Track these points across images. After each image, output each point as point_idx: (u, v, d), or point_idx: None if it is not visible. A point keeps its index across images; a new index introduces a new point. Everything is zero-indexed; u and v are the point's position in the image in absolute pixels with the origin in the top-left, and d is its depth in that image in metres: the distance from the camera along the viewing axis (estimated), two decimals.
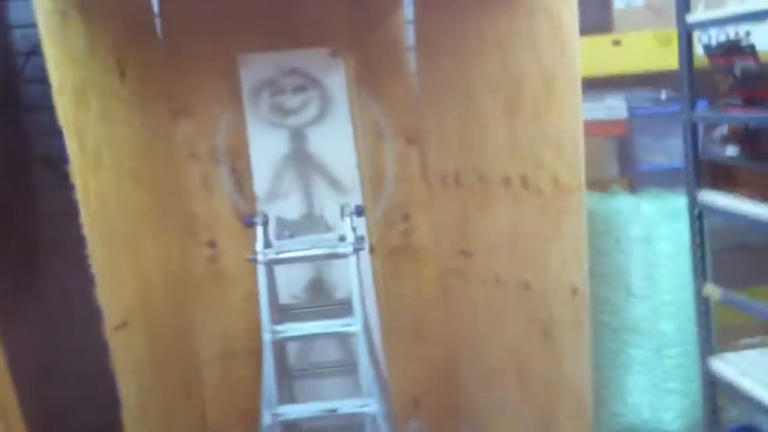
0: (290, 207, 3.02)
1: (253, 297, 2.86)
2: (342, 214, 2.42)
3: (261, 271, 2.34)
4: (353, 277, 2.34)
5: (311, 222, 2.56)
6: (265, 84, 3.00)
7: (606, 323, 2.88)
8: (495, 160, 2.81)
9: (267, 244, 2.41)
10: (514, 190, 2.73)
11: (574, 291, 2.47)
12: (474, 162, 2.92)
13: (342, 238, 2.36)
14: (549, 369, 2.67)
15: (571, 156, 2.40)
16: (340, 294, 2.92)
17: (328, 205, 3.03)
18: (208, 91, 2.97)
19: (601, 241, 2.87)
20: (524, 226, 2.70)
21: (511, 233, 2.78)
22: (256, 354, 2.75)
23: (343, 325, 2.31)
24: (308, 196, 3.03)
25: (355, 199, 3.03)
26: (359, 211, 2.41)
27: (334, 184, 3.04)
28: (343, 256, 2.35)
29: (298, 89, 3.01)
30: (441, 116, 3.07)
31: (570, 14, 2.26)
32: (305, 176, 3.02)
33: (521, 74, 2.60)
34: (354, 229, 2.37)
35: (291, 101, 3.00)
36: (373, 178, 3.14)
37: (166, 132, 2.93)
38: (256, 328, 2.57)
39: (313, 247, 2.38)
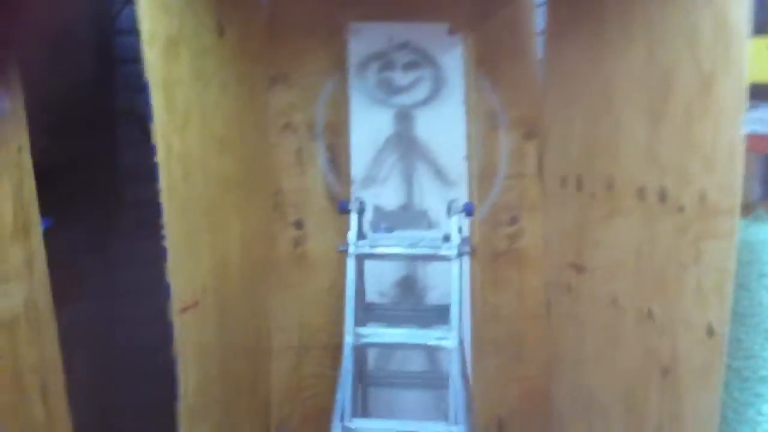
0: (387, 195, 2.78)
1: (336, 287, 2.67)
2: (449, 212, 2.17)
3: (350, 265, 2.12)
4: (454, 284, 2.09)
5: (409, 214, 2.32)
6: (374, 57, 2.77)
7: (736, 369, 2.54)
8: (629, 167, 2.50)
9: (360, 235, 2.17)
10: (649, 204, 2.42)
11: (710, 330, 2.15)
12: (602, 166, 2.61)
13: (446, 238, 2.11)
14: (666, 414, 2.36)
15: (725, 172, 2.08)
16: (432, 297, 2.68)
17: (429, 197, 2.78)
18: (311, 59, 2.77)
19: (741, 273, 2.52)
20: (656, 246, 2.39)
21: (639, 252, 2.47)
22: (332, 350, 2.54)
23: (436, 338, 2.07)
24: (408, 184, 2.78)
25: (460, 193, 2.78)
26: (469, 210, 2.15)
27: (439, 174, 2.79)
28: (446, 259, 2.10)
29: (410, 66, 2.77)
30: (566, 110, 2.78)
31: (739, 8, 1.94)
32: (408, 162, 2.78)
33: (672, 72, 2.28)
34: (460, 230, 2.12)
35: (401, 78, 2.76)
36: (482, 172, 2.88)
37: (261, 99, 2.74)
38: (335, 323, 2.37)
39: (412, 245, 2.13)
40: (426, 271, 2.74)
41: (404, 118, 2.79)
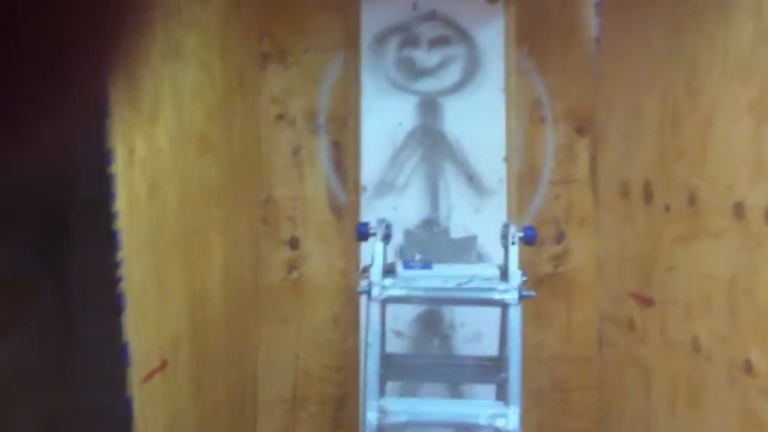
0: (407, 206, 2.30)
1: (341, 322, 2.23)
2: (505, 240, 1.67)
3: (374, 312, 1.63)
4: (513, 338, 1.61)
5: (452, 241, 1.82)
6: (394, 30, 2.28)
7: None
8: (722, 177, 2.04)
9: (386, 269, 1.67)
10: (752, 225, 1.95)
11: None
12: (683, 173, 2.15)
13: (503, 275, 1.62)
14: None
15: None
16: (462, 337, 2.20)
17: (460, 209, 2.32)
18: (314, 32, 2.28)
19: None
20: (759, 278, 1.93)
21: (733, 284, 2.03)
22: (333, 402, 2.06)
23: (489, 416, 1.57)
24: (434, 193, 2.30)
25: (498, 204, 2.32)
26: (531, 239, 1.67)
27: (472, 180, 2.31)
28: (503, 304, 1.61)
29: (438, 42, 2.28)
30: (630, 101, 2.33)
31: None
32: (433, 164, 2.29)
33: None
34: (520, 268, 1.63)
35: (427, 58, 2.29)
36: (522, 175, 2.41)
37: (251, 82, 2.23)
38: (338, 367, 1.92)
39: (460, 285, 1.63)
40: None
41: (430, 108, 2.31)
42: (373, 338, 1.68)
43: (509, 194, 2.37)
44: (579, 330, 2.48)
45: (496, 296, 1.66)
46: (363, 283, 1.71)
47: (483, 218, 2.34)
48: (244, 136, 2.24)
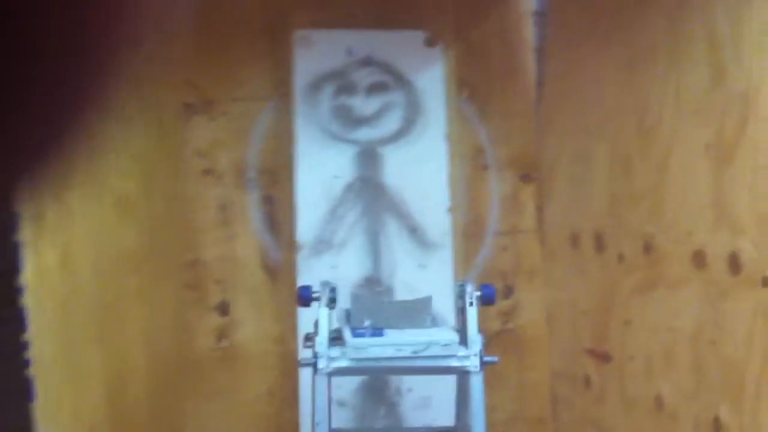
0: (346, 264, 2.15)
1: (276, 393, 2.05)
2: (462, 300, 1.53)
3: (321, 387, 1.45)
4: (477, 409, 1.46)
5: (404, 305, 1.66)
6: (328, 77, 2.15)
7: None
8: (681, 224, 1.96)
9: (333, 338, 1.51)
10: (714, 274, 1.87)
11: None
12: (636, 220, 2.07)
13: (461, 341, 1.48)
14: None
15: None
16: (409, 404, 2.04)
17: (403, 265, 2.16)
18: (243, 80, 2.11)
19: None
20: (725, 330, 1.85)
21: (697, 338, 1.94)
22: None
23: None
24: (375, 249, 2.15)
25: (443, 258, 2.18)
26: (490, 297, 1.54)
27: (415, 233, 2.17)
28: (464, 371, 1.46)
29: (376, 88, 2.16)
30: (578, 146, 2.25)
31: None
32: (374, 218, 2.15)
33: (758, 88, 1.74)
34: (479, 331, 1.50)
35: (364, 105, 2.16)
36: (467, 227, 2.28)
37: (174, 134, 2.04)
38: None
39: (414, 352, 1.48)
40: None
41: (369, 158, 2.17)
42: (321, 416, 1.50)
43: (455, 248, 2.24)
44: (532, 389, 2.35)
45: (456, 363, 1.51)
46: (306, 354, 1.54)
47: (428, 275, 2.20)
48: (166, 194, 2.05)
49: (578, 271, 2.28)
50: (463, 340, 1.55)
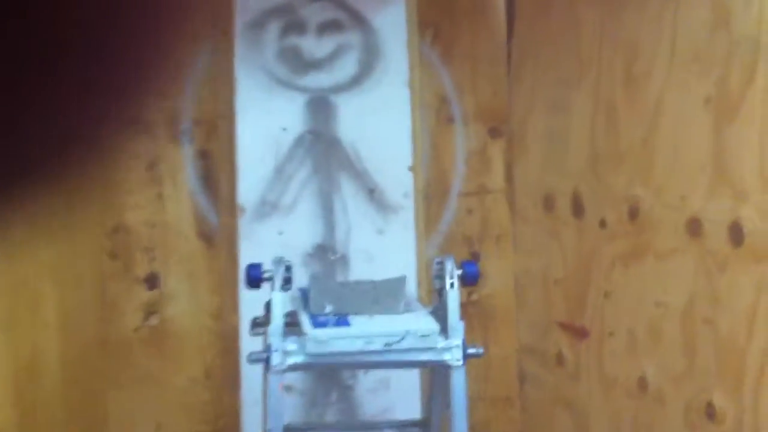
0: (295, 229, 1.94)
1: (214, 376, 1.87)
2: (441, 281, 1.31)
3: (273, 384, 1.22)
4: (458, 406, 1.25)
5: (372, 287, 1.40)
6: (274, 13, 1.89)
7: None
8: (673, 187, 1.76)
9: (287, 326, 1.27)
10: (711, 244, 1.69)
11: None
12: (621, 182, 1.88)
13: (440, 329, 1.26)
14: None
15: None
16: (367, 385, 1.85)
17: (359, 230, 1.94)
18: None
19: None
20: (722, 307, 1.68)
21: (688, 314, 1.77)
22: None
23: None
24: (328, 212, 1.92)
25: (404, 222, 1.96)
26: (473, 277, 1.32)
27: (373, 194, 1.95)
28: (444, 366, 1.24)
29: (329, 27, 1.93)
30: (554, 96, 2.11)
31: None
32: (327, 177, 1.93)
33: (766, 35, 1.55)
34: (461, 316, 1.28)
35: (316, 47, 1.93)
36: (429, 187, 2.05)
37: None
38: None
39: (386, 345, 1.24)
40: None
41: (321, 108, 1.93)
42: (275, 421, 1.26)
43: (416, 210, 2.01)
44: (498, 366, 2.16)
45: (435, 357, 1.28)
46: (254, 351, 1.29)
47: (388, 241, 1.98)
48: (82, 147, 1.76)
49: (552, 236, 2.07)
50: (443, 329, 1.32)
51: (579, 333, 2.03)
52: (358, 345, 1.26)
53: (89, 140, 1.79)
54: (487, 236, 2.15)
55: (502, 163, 2.17)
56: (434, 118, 2.11)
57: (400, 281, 1.40)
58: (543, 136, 2.11)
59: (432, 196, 2.11)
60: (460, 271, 1.38)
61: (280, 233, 1.92)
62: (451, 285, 1.34)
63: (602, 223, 1.96)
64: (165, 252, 1.95)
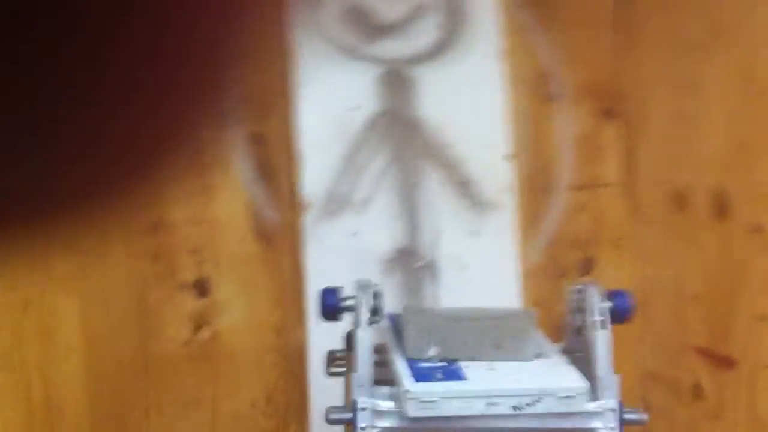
0: (371, 229, 1.60)
1: (276, 400, 1.71)
2: (581, 315, 0.97)
3: None
4: None
5: (488, 323, 1.05)
6: None
7: None
8: None
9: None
10: None
11: None
12: None
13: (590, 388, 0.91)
14: None
15: None
16: None
17: (449, 231, 1.60)
18: None
19: None
20: None
21: None
22: None
23: None
24: (410, 210, 1.60)
25: (503, 223, 1.63)
26: (626, 312, 1.00)
27: (465, 188, 1.59)
28: None
29: None
30: (682, 65, 1.67)
31: None
32: (408, 168, 1.59)
33: None
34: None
35: (388, 8, 1.55)
36: (528, 179, 1.71)
37: None
38: None
39: (516, 408, 0.90)
40: None
41: (397, 83, 1.60)
42: None
43: (518, 208, 1.67)
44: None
45: (581, 425, 0.93)
46: (334, 407, 0.96)
47: (483, 244, 1.64)
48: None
49: (686, 241, 1.70)
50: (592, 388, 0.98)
51: (723, 363, 1.66)
52: (477, 407, 0.91)
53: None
54: (602, 239, 1.79)
55: (619, 151, 1.80)
56: (532, 96, 1.76)
57: (528, 317, 1.06)
58: (670, 116, 1.73)
59: (533, 190, 1.76)
60: (608, 304, 1.03)
61: (354, 234, 1.60)
62: (602, 324, 0.99)
63: (756, 228, 1.57)
64: (215, 254, 1.64)
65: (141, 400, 1.62)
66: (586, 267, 1.78)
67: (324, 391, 1.59)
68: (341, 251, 1.59)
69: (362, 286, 1.02)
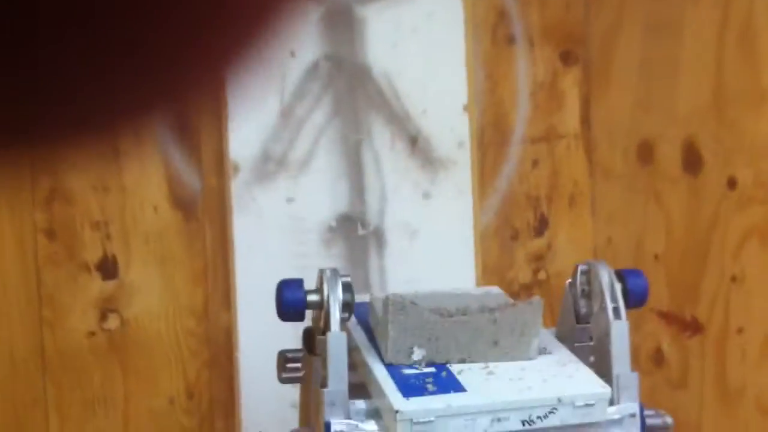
0: (310, 194, 1.37)
1: (198, 395, 1.46)
2: (588, 301, 0.81)
3: None
4: None
5: (486, 318, 0.86)
6: None
7: None
8: None
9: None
10: None
11: None
12: (763, 128, 1.39)
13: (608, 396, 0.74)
14: None
15: None
16: None
17: (399, 193, 1.41)
18: None
19: None
20: None
21: None
22: None
23: None
24: (355, 170, 1.39)
25: (458, 180, 1.46)
26: (641, 296, 0.84)
27: (416, 143, 1.40)
28: None
29: None
30: (655, 9, 1.54)
31: None
32: (352, 121, 1.37)
33: None
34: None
35: None
36: (483, 130, 1.54)
37: None
38: None
39: (527, 422, 0.72)
40: None
41: (342, 25, 1.37)
42: None
43: (472, 165, 1.48)
44: None
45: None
46: (297, 430, 0.77)
47: (436, 208, 1.45)
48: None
49: (650, 197, 1.56)
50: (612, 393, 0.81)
51: (688, 327, 1.54)
52: (481, 425, 0.73)
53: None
54: (558, 195, 1.63)
55: (579, 99, 1.64)
56: (489, 39, 1.56)
57: (534, 308, 0.88)
58: (635, 61, 1.57)
59: (487, 144, 1.58)
60: (620, 285, 0.86)
61: (290, 200, 1.38)
62: (615, 313, 0.82)
63: (731, 183, 1.45)
64: (124, 228, 1.39)
65: (39, 402, 1.37)
66: (540, 227, 1.62)
67: (254, 382, 1.39)
68: (274, 220, 1.38)
69: (330, 274, 0.81)
